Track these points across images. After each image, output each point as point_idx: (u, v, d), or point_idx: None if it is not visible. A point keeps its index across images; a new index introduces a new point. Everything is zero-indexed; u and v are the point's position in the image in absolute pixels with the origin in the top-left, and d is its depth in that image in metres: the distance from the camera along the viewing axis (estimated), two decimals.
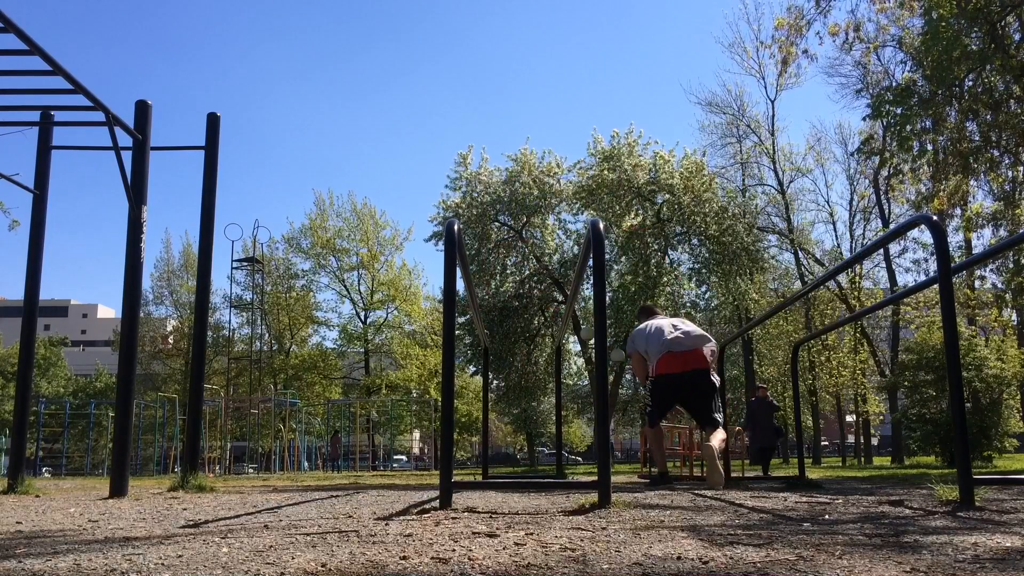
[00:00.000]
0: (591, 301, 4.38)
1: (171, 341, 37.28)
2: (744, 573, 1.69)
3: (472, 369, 24.76)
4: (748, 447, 13.70)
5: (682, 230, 20.46)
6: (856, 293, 28.34)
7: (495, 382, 21.94)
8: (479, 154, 21.83)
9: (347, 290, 35.95)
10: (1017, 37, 11.86)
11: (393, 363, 36.07)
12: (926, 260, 17.37)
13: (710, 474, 5.08)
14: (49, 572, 1.82)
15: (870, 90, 18.65)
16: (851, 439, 39.74)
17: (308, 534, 2.53)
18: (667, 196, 20.09)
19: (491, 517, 3.04)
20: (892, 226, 25.50)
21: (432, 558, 1.94)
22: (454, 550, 2.07)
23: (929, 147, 12.28)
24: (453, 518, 2.99)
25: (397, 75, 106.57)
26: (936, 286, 3.66)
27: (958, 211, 13.73)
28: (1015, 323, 21.82)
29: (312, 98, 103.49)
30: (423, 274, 46.76)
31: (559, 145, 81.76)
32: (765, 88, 32.47)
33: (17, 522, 3.28)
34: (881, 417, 31.53)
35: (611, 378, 21.64)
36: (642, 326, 6.03)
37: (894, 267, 29.32)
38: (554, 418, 13.94)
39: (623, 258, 20.38)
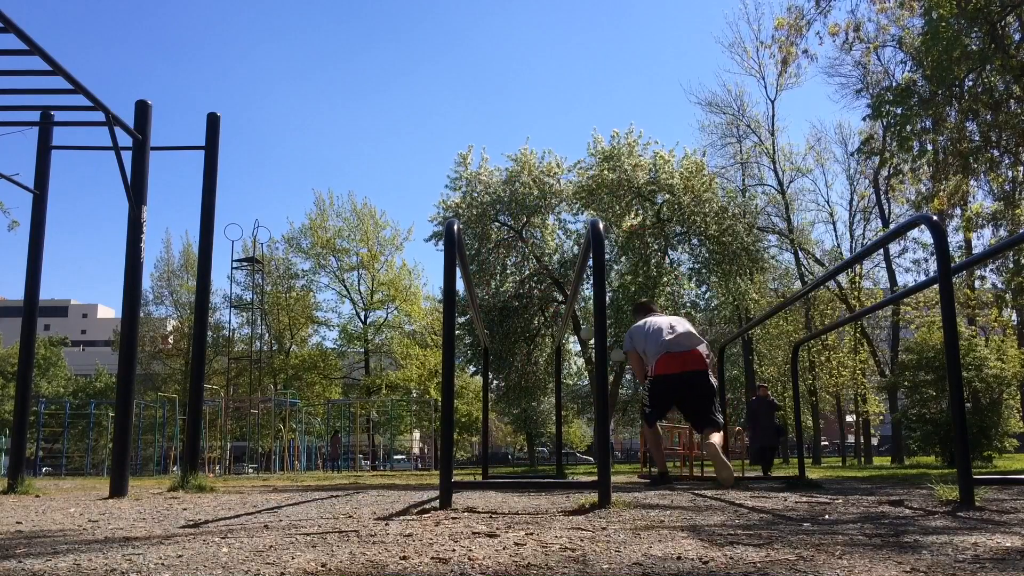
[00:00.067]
0: (591, 301, 4.37)
1: (171, 341, 37.27)
2: (744, 573, 1.69)
3: (472, 369, 24.76)
4: (748, 447, 13.70)
5: (682, 230, 20.45)
6: (856, 293, 28.34)
7: (495, 382, 21.93)
8: (479, 154, 21.85)
9: (347, 290, 35.97)
10: (1017, 37, 11.86)
11: (393, 363, 36.08)
12: (926, 260, 17.37)
13: (720, 471, 5.08)
14: (49, 572, 1.82)
15: (870, 90, 18.65)
16: (851, 439, 39.75)
17: (308, 534, 2.53)
18: (667, 196, 20.08)
19: (491, 517, 3.04)
20: (892, 226, 25.50)
21: (432, 558, 1.94)
22: (454, 550, 2.07)
23: (929, 147, 12.28)
24: (453, 518, 2.99)
25: (397, 75, 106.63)
26: (936, 286, 3.66)
27: (958, 211, 13.73)
28: (1015, 323, 21.82)
29: (312, 98, 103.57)
30: (423, 274, 46.79)
31: (559, 145, 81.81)
32: (765, 88, 32.49)
33: (17, 522, 3.28)
34: (881, 417, 31.54)
35: (611, 378, 21.65)
36: (640, 323, 5.97)
37: (894, 267, 29.34)
38: (554, 418, 13.93)
39: (623, 258, 20.38)
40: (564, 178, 21.49)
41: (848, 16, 15.86)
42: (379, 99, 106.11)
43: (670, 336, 5.66)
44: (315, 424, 34.13)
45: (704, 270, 20.92)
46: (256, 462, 27.66)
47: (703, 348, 5.67)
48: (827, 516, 3.06)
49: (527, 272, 21.80)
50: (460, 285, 7.29)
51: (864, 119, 15.29)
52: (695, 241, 20.74)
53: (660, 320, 5.91)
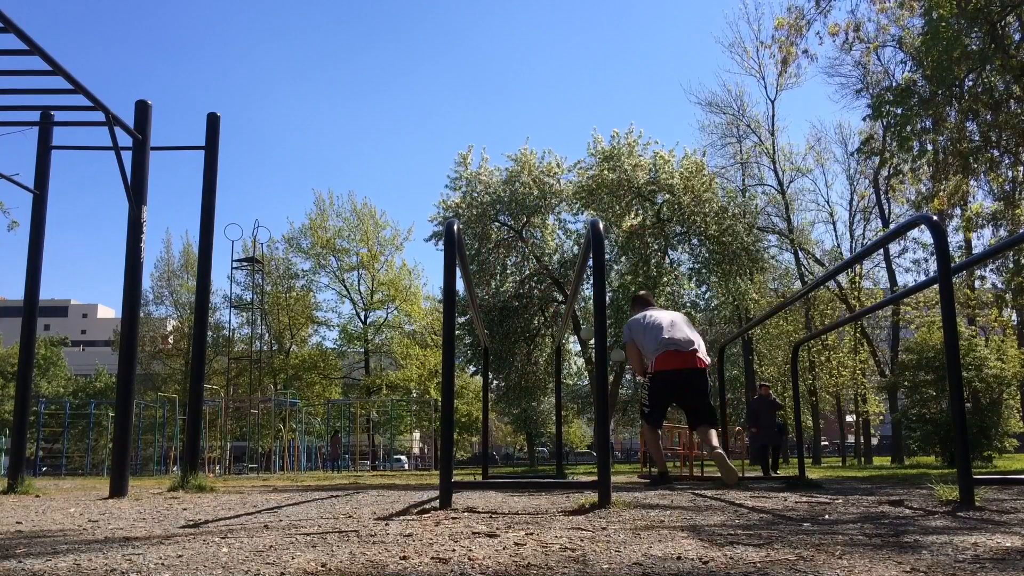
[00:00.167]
0: (591, 301, 4.30)
1: (171, 341, 37.26)
2: (744, 573, 1.69)
3: (472, 369, 24.76)
4: (748, 446, 13.70)
5: (682, 230, 20.45)
6: (856, 293, 28.35)
7: (495, 382, 21.93)
8: (479, 154, 21.85)
9: (347, 290, 35.98)
10: (1017, 37, 11.86)
11: (393, 363, 36.07)
12: (926, 260, 17.38)
13: (726, 473, 5.06)
14: (49, 572, 1.82)
15: (870, 90, 18.66)
16: (851, 439, 39.75)
17: (308, 534, 2.53)
18: (667, 196, 20.08)
19: (491, 517, 3.04)
20: (892, 226, 25.50)
21: (432, 558, 1.94)
22: (454, 550, 2.07)
23: (929, 147, 12.28)
24: (453, 518, 2.99)
25: (397, 75, 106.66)
26: (936, 286, 3.65)
27: (958, 211, 13.73)
28: (1015, 323, 21.82)
29: (312, 98, 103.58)
30: (423, 274, 46.80)
31: (559, 145, 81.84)
32: (765, 88, 32.51)
33: (17, 522, 3.28)
34: (881, 417, 31.55)
35: (611, 378, 21.65)
36: (639, 316, 5.88)
37: (894, 267, 29.35)
38: (554, 418, 13.93)
39: (623, 258, 20.37)
40: (564, 178, 21.49)
41: (848, 16, 15.88)
42: (379, 99, 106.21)
43: (670, 333, 5.61)
44: (315, 424, 34.14)
45: (704, 270, 20.92)
46: (256, 462, 27.65)
47: (702, 345, 5.65)
48: (827, 516, 3.06)
49: (527, 272, 21.80)
50: (460, 285, 7.29)
51: (864, 119, 15.30)
52: (695, 241, 20.74)
53: (660, 315, 5.84)
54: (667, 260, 20.91)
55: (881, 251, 27.95)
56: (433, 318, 33.49)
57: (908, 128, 11.86)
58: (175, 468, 22.59)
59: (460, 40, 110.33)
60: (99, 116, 5.57)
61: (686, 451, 11.14)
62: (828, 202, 32.99)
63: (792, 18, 12.93)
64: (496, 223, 21.17)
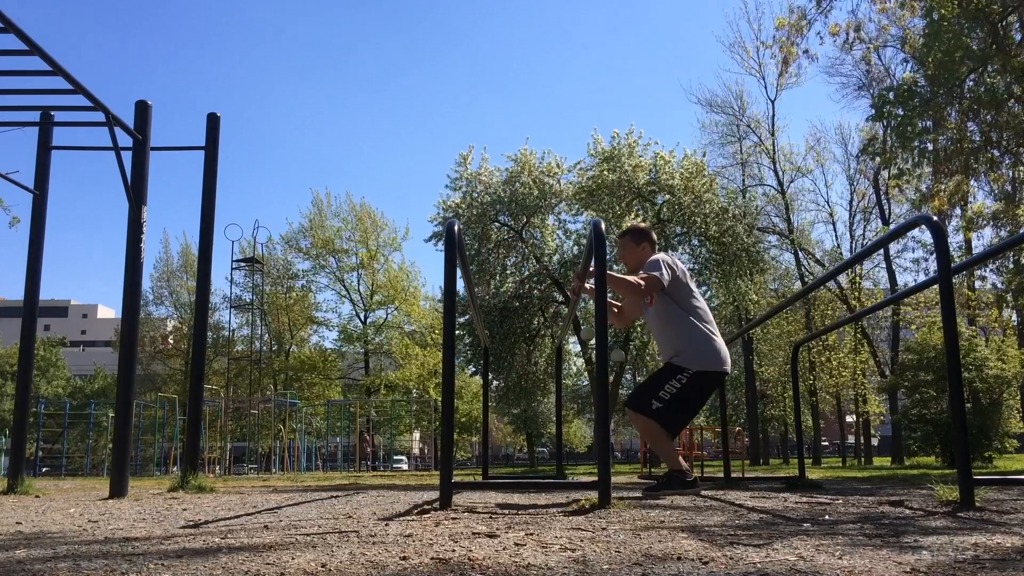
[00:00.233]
0: (591, 302, 4.12)
1: (171, 341, 37.28)
2: (744, 573, 1.69)
3: (472, 369, 24.76)
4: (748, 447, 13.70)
5: (682, 231, 20.46)
6: (856, 293, 28.36)
7: (495, 382, 21.93)
8: (479, 154, 21.85)
9: (346, 290, 35.99)
10: (1018, 38, 11.87)
11: (393, 363, 36.08)
12: (926, 260, 17.39)
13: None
14: (49, 572, 1.82)
15: (871, 90, 18.66)
16: (851, 439, 39.78)
17: (308, 534, 2.53)
18: (667, 197, 20.09)
19: (491, 517, 3.04)
20: (892, 226, 25.52)
21: (432, 558, 1.94)
22: (454, 550, 2.07)
23: (930, 147, 12.29)
24: (453, 518, 2.99)
25: (397, 75, 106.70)
26: (936, 286, 3.65)
27: (958, 211, 13.73)
28: (1015, 323, 21.83)
29: (312, 98, 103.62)
30: (421, 274, 46.82)
31: (559, 145, 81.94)
32: (765, 88, 32.52)
33: (17, 522, 3.28)
34: (881, 418, 31.57)
35: (611, 378, 21.65)
36: (681, 264, 4.48)
37: (894, 267, 29.37)
38: (554, 418, 13.94)
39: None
40: (564, 178, 21.48)
41: (849, 16, 15.90)
42: (379, 99, 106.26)
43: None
44: (315, 424, 34.15)
45: (704, 271, 20.94)
46: (256, 462, 27.66)
47: None
48: (827, 516, 3.06)
49: (527, 272, 21.79)
50: (460, 285, 7.29)
51: (867, 119, 15.31)
52: (695, 242, 20.75)
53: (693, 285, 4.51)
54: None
55: (881, 251, 27.95)
56: (433, 318, 33.49)
57: (910, 129, 11.87)
58: (175, 468, 22.59)
59: (460, 40, 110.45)
60: (99, 116, 5.57)
61: (685, 451, 11.15)
62: (828, 202, 33.04)
63: (793, 18, 12.94)
64: (496, 223, 21.16)
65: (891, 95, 12.12)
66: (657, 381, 4.26)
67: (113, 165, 5.71)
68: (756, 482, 6.73)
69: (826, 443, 50.49)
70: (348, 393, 36.02)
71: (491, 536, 2.38)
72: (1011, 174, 13.18)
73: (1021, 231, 11.74)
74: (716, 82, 67.04)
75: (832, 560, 1.85)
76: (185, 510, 3.88)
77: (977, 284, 20.08)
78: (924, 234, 15.11)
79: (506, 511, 3.34)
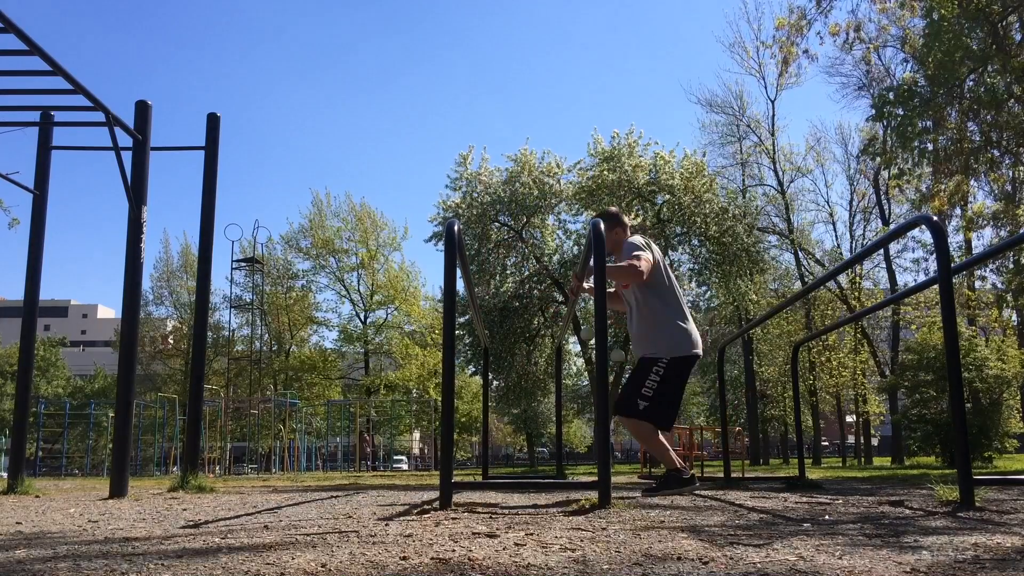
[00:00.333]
0: (591, 301, 4.11)
1: (171, 341, 37.27)
2: (744, 573, 1.69)
3: (472, 369, 24.77)
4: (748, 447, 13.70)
5: (682, 231, 20.46)
6: (856, 293, 28.35)
7: (495, 382, 21.94)
8: (479, 154, 21.85)
9: (346, 290, 35.99)
10: (1018, 38, 11.87)
11: (393, 363, 36.07)
12: (926, 260, 17.40)
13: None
14: (49, 572, 1.82)
15: (871, 89, 18.67)
16: (851, 439, 39.77)
17: (308, 534, 2.53)
18: (667, 197, 20.09)
19: (491, 517, 3.04)
20: (892, 226, 25.53)
21: (432, 558, 1.94)
22: (454, 550, 2.07)
23: (930, 147, 12.29)
24: (453, 518, 2.99)
25: (397, 75, 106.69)
26: (936, 286, 3.65)
27: (958, 211, 13.73)
28: (1015, 323, 21.83)
29: (312, 98, 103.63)
30: (421, 274, 46.82)
31: (559, 145, 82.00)
32: (765, 88, 32.50)
33: (17, 522, 3.28)
34: (881, 418, 31.58)
35: (611, 378, 21.65)
36: (654, 245, 4.49)
37: (894, 267, 29.37)
38: (554, 418, 13.94)
39: None
40: (564, 178, 21.48)
41: (849, 16, 15.90)
42: (379, 99, 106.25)
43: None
44: (315, 424, 34.14)
45: (704, 271, 20.94)
46: (256, 462, 27.66)
47: None
48: (827, 516, 3.06)
49: (527, 272, 21.79)
50: (460, 285, 7.29)
51: (867, 120, 15.31)
52: (695, 242, 20.76)
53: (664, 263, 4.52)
54: (667, 261, 20.90)
55: (881, 251, 27.96)
56: (433, 318, 33.49)
57: (910, 129, 11.87)
58: (175, 468, 22.58)
59: (460, 40, 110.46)
60: (99, 116, 5.57)
61: (685, 451, 11.15)
62: (828, 202, 33.03)
63: (793, 18, 12.94)
64: (496, 223, 21.16)
65: (891, 95, 12.12)
66: (637, 380, 4.28)
67: (113, 165, 5.72)
68: (756, 482, 6.73)
69: (826, 443, 50.48)
70: (348, 393, 36.02)
71: (491, 536, 2.38)
72: (1011, 174, 13.17)
73: (1021, 231, 11.75)
74: (716, 82, 67.01)
75: (832, 560, 1.85)
76: (185, 510, 3.88)
77: (977, 284, 20.08)
78: (924, 234, 15.12)
79: (506, 511, 3.34)
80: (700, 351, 4.41)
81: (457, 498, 3.95)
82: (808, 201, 34.37)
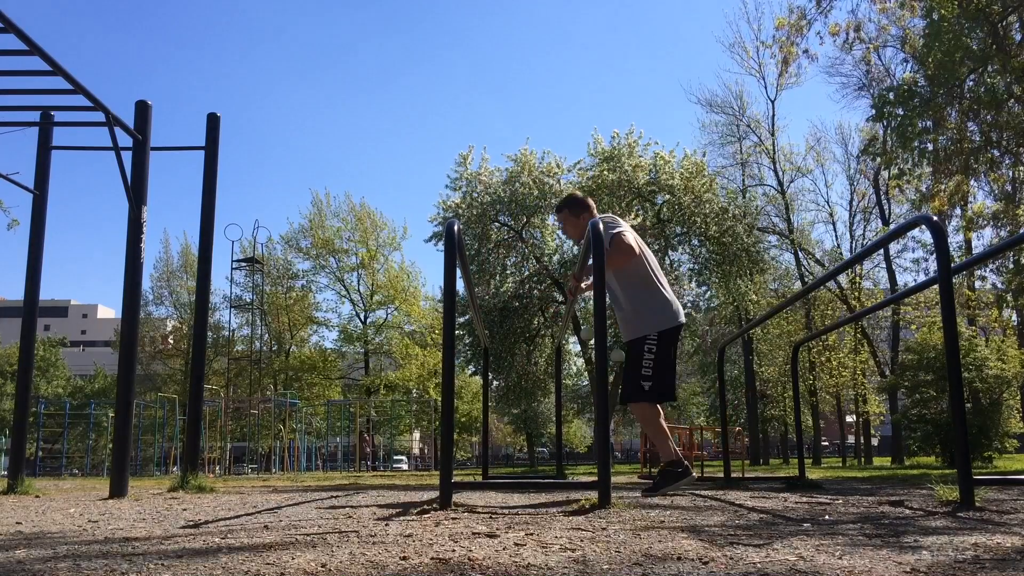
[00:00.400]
0: (591, 301, 4.11)
1: (171, 341, 37.27)
2: (744, 573, 1.69)
3: (472, 369, 24.77)
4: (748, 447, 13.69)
5: (682, 231, 20.46)
6: (856, 293, 28.36)
7: (495, 382, 21.94)
8: (479, 154, 21.85)
9: (346, 290, 35.99)
10: (1018, 38, 11.87)
11: (393, 363, 36.06)
12: (926, 260, 17.40)
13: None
14: (49, 572, 1.82)
15: (871, 90, 18.67)
16: (851, 439, 39.77)
17: (308, 534, 2.53)
18: (667, 197, 20.09)
19: (491, 517, 3.04)
20: (892, 226, 25.53)
21: (432, 558, 1.94)
22: (454, 550, 2.07)
23: (930, 147, 12.29)
24: (453, 518, 2.99)
25: (397, 75, 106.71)
26: (936, 286, 3.65)
27: (958, 211, 13.73)
28: (1015, 323, 21.82)
29: (312, 98, 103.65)
30: (421, 274, 46.82)
31: (559, 145, 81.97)
32: (765, 88, 32.52)
33: (17, 522, 3.28)
34: (881, 418, 31.59)
35: (611, 378, 21.65)
36: (621, 222, 4.53)
37: (894, 267, 29.37)
38: (554, 418, 13.94)
39: None
40: (564, 178, 21.47)
41: (849, 16, 15.90)
42: (379, 99, 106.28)
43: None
44: (315, 424, 34.13)
45: (704, 271, 20.94)
46: (256, 462, 27.65)
47: None
48: (827, 516, 3.06)
49: (527, 272, 21.79)
50: (460, 285, 7.28)
51: (867, 120, 15.31)
52: (695, 242, 20.75)
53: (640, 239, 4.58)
54: (667, 261, 20.91)
55: (881, 251, 27.96)
56: (433, 318, 33.49)
57: (910, 129, 11.87)
58: (175, 468, 22.58)
59: (460, 40, 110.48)
60: (99, 116, 5.57)
61: (685, 451, 11.14)
62: (828, 202, 33.06)
63: (793, 18, 12.94)
64: (496, 223, 21.15)
65: (891, 95, 12.12)
66: (635, 364, 4.36)
67: (113, 165, 5.72)
68: (756, 482, 6.72)
69: (826, 443, 50.48)
70: (348, 393, 36.02)
71: (491, 536, 2.38)
72: (1011, 174, 13.17)
73: (1021, 231, 11.74)
74: (716, 82, 67.02)
75: (832, 560, 1.85)
76: (185, 510, 3.87)
77: (977, 284, 20.08)
78: (924, 234, 15.12)
79: (506, 511, 3.34)
80: (683, 319, 4.53)
81: (457, 498, 3.95)
82: (808, 201, 34.42)
